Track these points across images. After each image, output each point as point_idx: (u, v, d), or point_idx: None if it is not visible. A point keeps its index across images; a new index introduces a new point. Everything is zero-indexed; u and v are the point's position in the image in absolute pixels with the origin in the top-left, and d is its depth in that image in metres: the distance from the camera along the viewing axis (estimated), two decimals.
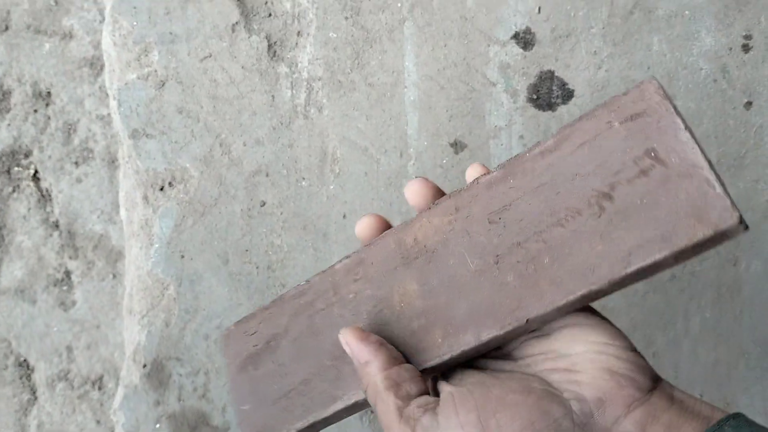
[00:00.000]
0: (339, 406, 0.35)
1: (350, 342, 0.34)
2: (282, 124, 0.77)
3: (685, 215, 0.28)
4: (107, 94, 0.87)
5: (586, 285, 0.30)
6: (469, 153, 0.75)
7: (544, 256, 0.31)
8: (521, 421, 0.28)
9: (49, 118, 0.88)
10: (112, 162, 0.89)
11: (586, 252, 0.30)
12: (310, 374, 0.36)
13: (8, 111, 0.88)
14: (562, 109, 0.74)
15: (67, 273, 0.89)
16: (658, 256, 0.29)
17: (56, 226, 0.89)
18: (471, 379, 0.32)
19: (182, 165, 0.79)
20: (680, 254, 0.29)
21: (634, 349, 0.32)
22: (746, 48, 0.71)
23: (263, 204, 0.77)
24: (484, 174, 0.34)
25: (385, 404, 0.31)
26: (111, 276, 0.91)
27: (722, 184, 0.28)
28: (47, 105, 0.88)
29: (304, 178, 0.77)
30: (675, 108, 0.30)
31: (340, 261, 0.37)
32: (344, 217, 0.76)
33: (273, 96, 0.77)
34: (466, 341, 0.32)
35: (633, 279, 0.30)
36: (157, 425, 0.79)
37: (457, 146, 0.76)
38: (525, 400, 0.29)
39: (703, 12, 0.71)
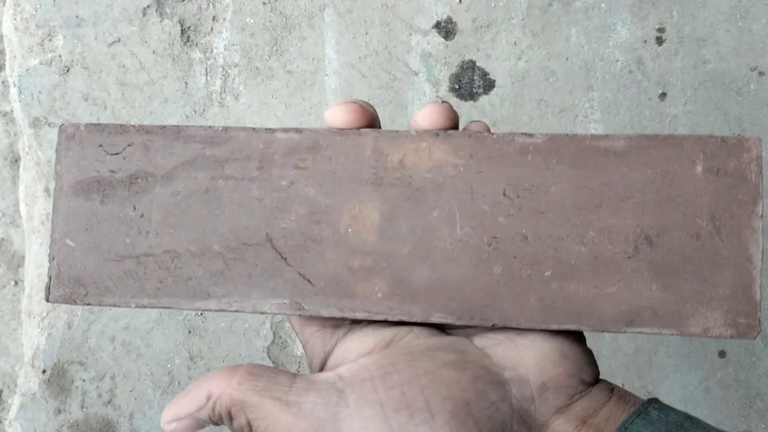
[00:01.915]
0: (210, 305, 0.27)
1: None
2: (196, 112, 0.74)
3: (712, 306, 0.26)
4: (10, 88, 0.81)
5: (576, 322, 0.26)
6: None
7: (547, 266, 0.27)
8: (454, 401, 0.25)
9: None
10: (16, 161, 0.83)
11: (595, 287, 0.26)
12: (183, 249, 0.28)
13: None
14: (483, 99, 0.73)
15: None
16: (664, 330, 0.26)
17: None
18: (392, 338, 0.27)
19: None
20: (686, 335, 0.27)
21: (585, 344, 0.29)
22: (660, 41, 0.73)
23: None
24: (524, 134, 0.28)
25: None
26: (13, 283, 0.84)
27: (761, 292, 0.26)
28: None
29: None
30: (761, 188, 0.27)
31: (285, 130, 0.28)
32: None
33: (186, 83, 0.74)
34: (411, 313, 0.27)
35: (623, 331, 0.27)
36: None
37: None
38: (459, 378, 0.25)
39: (618, 5, 0.72)
